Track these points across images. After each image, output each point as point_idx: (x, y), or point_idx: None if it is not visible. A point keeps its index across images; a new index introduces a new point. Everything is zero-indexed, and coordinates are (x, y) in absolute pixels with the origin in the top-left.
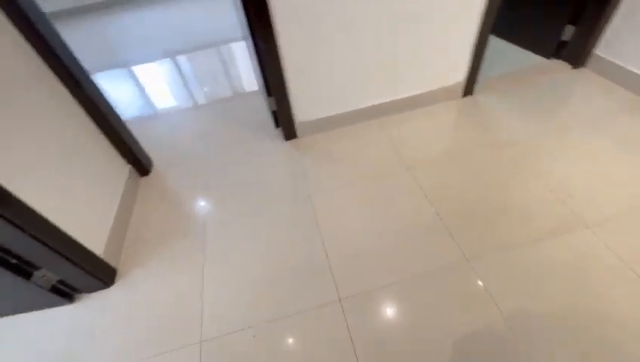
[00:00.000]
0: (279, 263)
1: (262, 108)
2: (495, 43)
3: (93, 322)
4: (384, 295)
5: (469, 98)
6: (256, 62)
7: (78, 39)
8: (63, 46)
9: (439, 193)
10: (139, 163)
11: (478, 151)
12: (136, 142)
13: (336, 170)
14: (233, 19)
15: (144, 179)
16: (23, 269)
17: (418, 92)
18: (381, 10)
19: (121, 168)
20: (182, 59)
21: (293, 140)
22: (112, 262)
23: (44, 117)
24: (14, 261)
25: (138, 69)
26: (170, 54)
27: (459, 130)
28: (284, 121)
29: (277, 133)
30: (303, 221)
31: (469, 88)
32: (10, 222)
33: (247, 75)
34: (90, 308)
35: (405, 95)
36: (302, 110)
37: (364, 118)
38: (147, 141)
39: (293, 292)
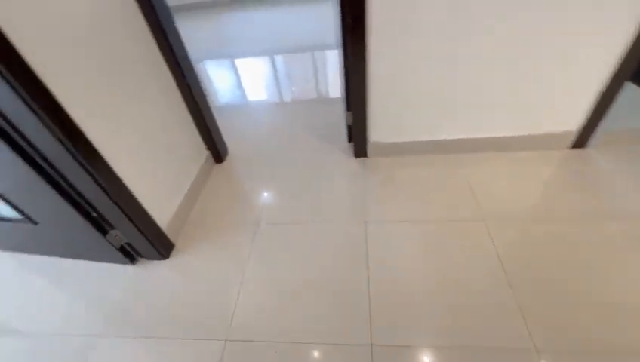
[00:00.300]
0: (319, 283)
1: (339, 118)
2: (630, 91)
3: (143, 286)
4: (425, 358)
5: (578, 151)
6: (342, 74)
7: (191, 31)
8: (177, 36)
9: (517, 259)
10: (216, 150)
11: (578, 219)
12: (217, 130)
13: (400, 201)
14: (331, 27)
15: (217, 166)
16: (102, 226)
17: (514, 134)
18: (489, 44)
19: (200, 152)
20: (278, 58)
21: (363, 158)
22: (172, 238)
23: (146, 93)
24: (95, 215)
25: (237, 63)
26: (269, 53)
27: (557, 188)
28: (357, 137)
29: (348, 147)
30: (353, 246)
31: (582, 139)
32: (98, 183)
33: (334, 82)
34: (145, 274)
35: (497, 134)
36: (377, 130)
37: (443, 150)
38: (228, 130)
39: (326, 320)
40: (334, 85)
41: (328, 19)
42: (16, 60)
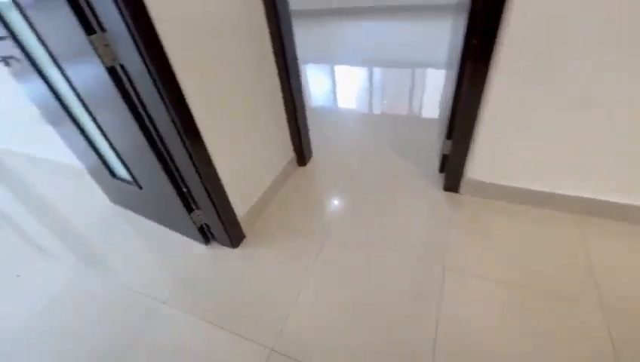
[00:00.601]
0: (380, 318)
1: (432, 142)
2: None
3: (210, 268)
4: None
5: None
6: (449, 100)
7: (300, 34)
8: (291, 39)
9: None
10: (301, 152)
11: None
12: (307, 134)
13: (490, 253)
14: (442, 46)
15: (299, 168)
16: (189, 204)
17: None
18: None
19: (286, 152)
20: (377, 70)
21: (452, 193)
22: (244, 229)
23: (252, 87)
24: (185, 190)
25: (336, 69)
26: (368, 63)
27: None
28: (451, 169)
29: (437, 177)
30: (425, 289)
31: None
32: (194, 163)
33: (430, 102)
34: (215, 257)
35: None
36: (478, 167)
37: (556, 205)
38: (314, 133)
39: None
40: (429, 106)
41: (440, 37)
42: (159, 52)
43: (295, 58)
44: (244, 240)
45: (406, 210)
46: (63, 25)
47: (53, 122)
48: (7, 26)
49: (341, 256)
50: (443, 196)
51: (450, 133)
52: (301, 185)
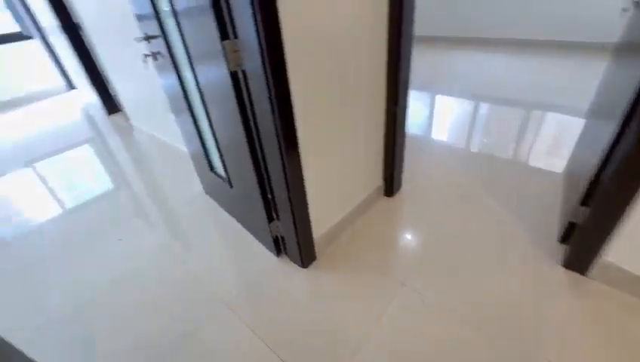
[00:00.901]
0: None
1: (551, 201)
2: None
3: (277, 282)
4: None
5: None
6: (594, 157)
7: (419, 60)
8: (407, 63)
9: None
10: (391, 182)
11: None
12: (401, 164)
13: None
14: (580, 90)
15: (385, 198)
16: (270, 212)
17: None
18: None
19: (375, 179)
20: (484, 105)
21: (576, 274)
22: (317, 250)
23: (356, 106)
24: (270, 196)
25: (440, 98)
26: (476, 97)
27: None
28: (581, 244)
29: (556, 247)
30: None
31: None
32: (285, 173)
33: (550, 152)
34: (282, 271)
35: None
36: (624, 250)
37: None
38: (407, 163)
39: None
40: (546, 155)
41: (581, 79)
42: (280, 62)
43: (407, 82)
44: (315, 262)
45: (509, 281)
46: (204, 29)
47: (175, 110)
48: (162, 27)
49: (416, 315)
50: (563, 275)
51: (586, 199)
52: (384, 218)
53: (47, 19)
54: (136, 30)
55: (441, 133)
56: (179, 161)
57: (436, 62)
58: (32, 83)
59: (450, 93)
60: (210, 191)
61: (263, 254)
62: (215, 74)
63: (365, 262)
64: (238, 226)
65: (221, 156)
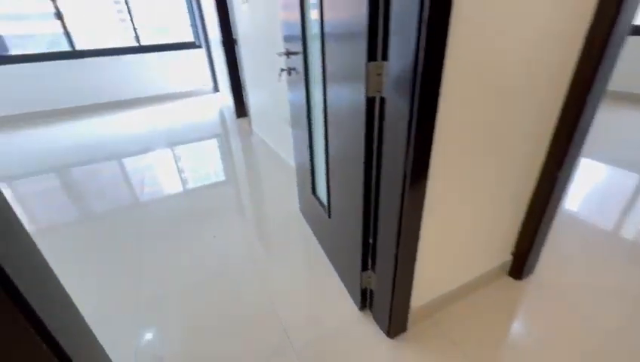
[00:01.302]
0: None
1: None
2: None
3: (354, 343)
4: None
5: None
6: None
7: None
8: (586, 127)
9: None
10: (522, 261)
11: None
12: (542, 242)
13: None
14: None
15: (509, 279)
16: (366, 260)
17: None
18: None
19: (503, 253)
20: None
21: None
22: (410, 321)
23: (507, 162)
24: (371, 241)
25: (606, 168)
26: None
27: None
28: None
29: None
30: None
31: None
32: (399, 220)
33: None
34: (363, 332)
35: None
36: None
37: None
38: (548, 244)
39: None
40: None
41: None
42: (433, 94)
43: (580, 146)
44: (403, 334)
45: None
46: (350, 50)
47: (294, 125)
48: (305, 45)
49: None
50: None
51: None
52: (501, 304)
53: (215, 34)
54: (278, 48)
55: (602, 213)
56: (284, 174)
57: (603, 121)
58: (189, 83)
59: (617, 163)
60: (305, 212)
61: (345, 301)
62: (348, 97)
63: (467, 350)
64: (325, 258)
65: (327, 181)
